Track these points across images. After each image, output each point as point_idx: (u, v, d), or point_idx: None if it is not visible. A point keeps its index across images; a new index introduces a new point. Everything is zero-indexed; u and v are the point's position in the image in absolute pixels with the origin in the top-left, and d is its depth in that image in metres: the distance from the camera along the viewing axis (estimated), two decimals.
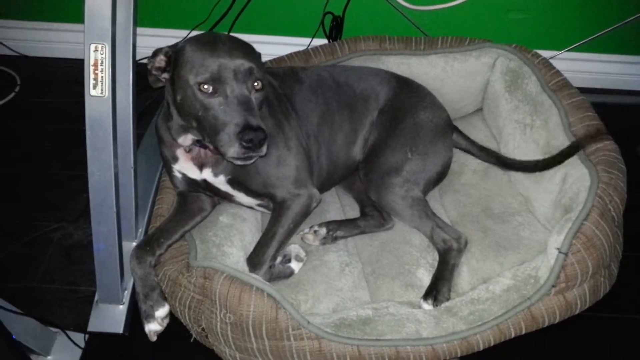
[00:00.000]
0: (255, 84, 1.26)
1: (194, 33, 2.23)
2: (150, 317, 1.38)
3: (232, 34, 2.19)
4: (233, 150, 1.21)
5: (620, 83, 2.41)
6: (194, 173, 1.44)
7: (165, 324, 1.39)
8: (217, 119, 1.23)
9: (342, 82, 1.63)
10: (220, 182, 1.43)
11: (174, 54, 1.28)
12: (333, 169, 1.61)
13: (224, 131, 1.21)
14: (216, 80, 1.22)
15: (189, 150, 1.41)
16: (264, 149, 1.23)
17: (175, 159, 1.44)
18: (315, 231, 1.54)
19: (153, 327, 1.38)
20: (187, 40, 1.30)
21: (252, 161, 1.27)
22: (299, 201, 1.44)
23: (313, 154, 1.54)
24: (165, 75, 1.31)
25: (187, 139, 1.38)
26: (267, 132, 1.22)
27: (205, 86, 1.22)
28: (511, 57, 1.79)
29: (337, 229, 1.56)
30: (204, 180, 1.44)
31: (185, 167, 1.44)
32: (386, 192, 1.51)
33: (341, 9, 2.22)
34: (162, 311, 1.38)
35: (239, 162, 1.26)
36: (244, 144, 1.20)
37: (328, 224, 1.56)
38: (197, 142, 1.37)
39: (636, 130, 2.10)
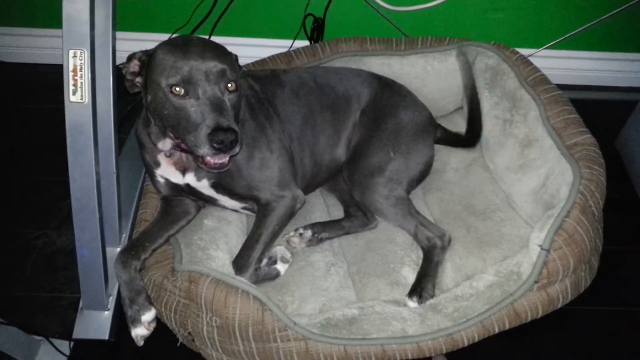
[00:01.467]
0: (229, 85, 1.25)
1: None
2: (137, 321, 1.37)
3: (213, 37, 2.20)
4: (203, 150, 1.21)
5: (595, 79, 2.45)
6: (177, 178, 1.43)
7: (152, 328, 1.38)
8: (189, 120, 1.22)
9: (323, 84, 1.64)
10: (204, 186, 1.42)
11: (147, 58, 1.28)
12: (317, 170, 1.61)
13: (195, 132, 1.21)
14: (187, 82, 1.22)
15: (169, 155, 1.41)
16: (236, 149, 1.23)
17: (157, 164, 1.44)
18: (300, 234, 1.55)
19: (140, 332, 1.37)
20: (159, 44, 1.30)
21: (226, 168, 1.27)
22: (283, 203, 1.44)
23: (296, 156, 1.54)
24: (139, 80, 1.31)
25: (166, 144, 1.38)
26: (238, 133, 1.21)
27: (177, 88, 1.22)
28: (490, 54, 1.81)
29: (322, 230, 1.57)
30: (187, 185, 1.43)
31: (167, 171, 1.44)
32: (370, 192, 1.52)
33: (322, 10, 2.22)
34: (148, 315, 1.38)
35: (214, 170, 1.27)
36: (215, 145, 1.20)
37: (313, 226, 1.57)
38: (177, 147, 1.36)
39: (612, 125, 2.14)
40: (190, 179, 1.42)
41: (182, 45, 1.26)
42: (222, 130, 1.19)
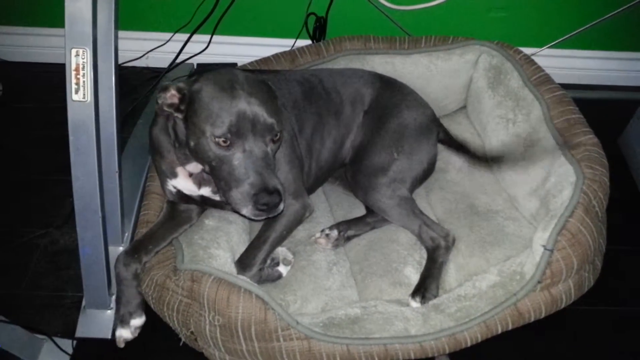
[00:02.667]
0: (275, 136, 1.22)
1: (177, 36, 2.23)
2: (125, 323, 1.38)
3: (215, 36, 2.20)
4: (246, 210, 1.20)
5: (598, 78, 2.45)
6: (191, 190, 1.42)
7: (136, 334, 1.39)
8: (232, 175, 1.19)
9: (330, 89, 1.62)
10: (219, 197, 1.41)
11: (189, 95, 1.22)
12: (321, 174, 1.61)
13: (238, 189, 1.19)
14: (234, 134, 1.18)
15: (191, 174, 1.39)
16: (280, 208, 1.20)
17: (174, 175, 1.41)
18: (327, 234, 1.54)
19: (125, 334, 1.38)
20: (203, 81, 1.23)
21: (264, 219, 1.25)
22: (293, 209, 1.44)
23: (305, 163, 1.54)
24: (179, 115, 1.25)
25: (197, 167, 1.34)
26: (282, 192, 1.19)
27: (222, 139, 1.18)
28: (494, 53, 1.81)
29: (348, 228, 1.56)
30: (201, 196, 1.43)
31: (182, 184, 1.42)
32: (374, 192, 1.51)
33: (324, 9, 2.22)
34: (138, 321, 1.39)
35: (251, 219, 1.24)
36: (259, 207, 1.18)
37: (338, 225, 1.57)
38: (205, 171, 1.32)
39: (616, 125, 2.13)
40: (205, 191, 1.40)
41: (229, 90, 1.20)
42: (268, 192, 1.17)
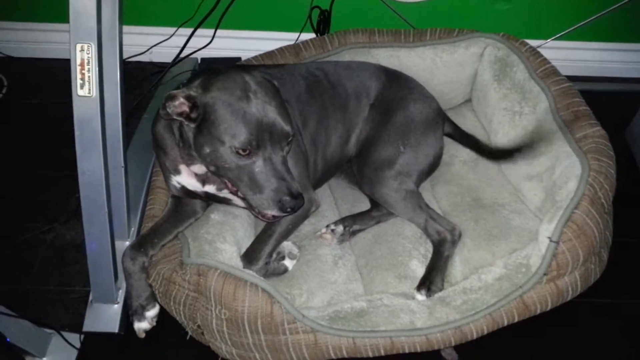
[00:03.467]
0: (290, 139, 1.25)
1: (181, 30, 2.23)
2: (140, 316, 1.40)
3: (219, 30, 2.20)
4: (270, 212, 1.23)
5: (605, 70, 2.43)
6: (195, 187, 1.42)
7: (154, 323, 1.42)
8: (253, 181, 1.22)
9: (335, 82, 1.62)
10: (224, 193, 1.41)
11: (203, 105, 1.21)
12: (327, 168, 1.61)
13: (262, 194, 1.22)
14: (254, 145, 1.19)
15: (196, 174, 1.39)
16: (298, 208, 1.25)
17: (177, 172, 1.42)
18: (332, 230, 1.54)
19: (143, 326, 1.40)
20: (215, 90, 1.21)
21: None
22: None
23: (310, 158, 1.54)
24: (191, 124, 1.23)
25: (202, 168, 1.35)
26: (303, 195, 1.24)
27: (242, 149, 1.19)
28: (499, 46, 1.80)
29: (353, 223, 1.56)
30: (205, 192, 1.43)
31: (186, 181, 1.43)
32: (380, 186, 1.51)
33: (328, 2, 2.21)
34: (152, 311, 1.41)
35: (268, 220, 1.30)
36: (285, 210, 1.21)
37: (343, 220, 1.57)
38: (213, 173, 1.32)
39: (623, 117, 2.12)
40: (210, 188, 1.41)
41: (244, 99, 1.20)
42: (293, 196, 1.21)
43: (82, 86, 1.22)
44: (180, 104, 1.21)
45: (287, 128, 1.22)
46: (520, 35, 1.82)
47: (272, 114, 1.21)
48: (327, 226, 1.55)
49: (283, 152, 1.24)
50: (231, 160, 1.21)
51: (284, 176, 1.22)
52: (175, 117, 1.22)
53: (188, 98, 1.20)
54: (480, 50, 1.83)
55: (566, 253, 1.32)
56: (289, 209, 1.22)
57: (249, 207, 1.28)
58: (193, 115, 1.22)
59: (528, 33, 2.18)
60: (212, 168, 1.26)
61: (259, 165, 1.21)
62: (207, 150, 1.23)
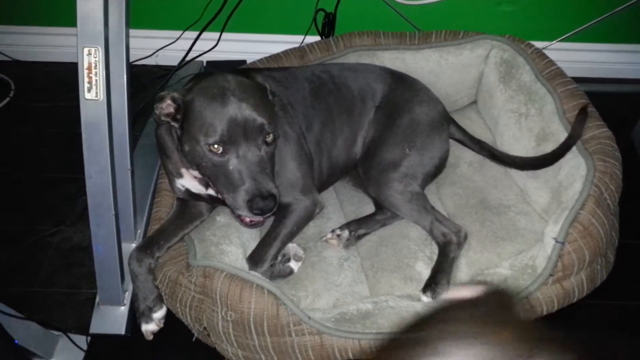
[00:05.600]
0: (267, 137, 1.24)
1: (187, 34, 2.24)
2: (148, 318, 1.41)
3: (224, 33, 2.21)
4: (241, 212, 1.23)
5: (611, 72, 2.42)
6: (198, 189, 1.43)
7: (162, 324, 1.42)
8: (228, 179, 1.22)
9: (340, 84, 1.62)
10: None
11: (184, 105, 1.25)
12: (333, 171, 1.61)
13: (234, 194, 1.22)
14: (226, 142, 1.20)
15: (196, 177, 1.40)
16: (274, 210, 1.24)
17: (180, 175, 1.43)
18: (338, 235, 1.54)
19: (151, 327, 1.41)
20: (196, 91, 1.26)
21: (261, 225, 1.30)
22: (303, 205, 1.45)
23: (315, 160, 1.54)
24: (175, 124, 1.28)
25: (197, 172, 1.36)
26: (277, 196, 1.22)
27: (216, 146, 1.21)
28: (505, 47, 1.80)
29: (359, 227, 1.56)
30: (209, 195, 1.44)
31: (189, 184, 1.44)
32: (385, 188, 1.51)
33: (333, 5, 2.22)
34: (160, 313, 1.42)
35: (248, 227, 1.30)
36: (254, 211, 1.20)
37: (348, 225, 1.56)
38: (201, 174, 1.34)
39: (629, 118, 2.12)
40: (213, 191, 1.40)
41: (219, 96, 1.22)
42: (262, 197, 1.20)
43: (89, 89, 1.23)
44: (167, 106, 1.25)
45: (261, 120, 1.22)
46: (525, 37, 1.82)
47: (247, 110, 1.22)
48: (333, 231, 1.55)
49: (260, 151, 1.23)
50: (207, 158, 1.23)
51: (256, 176, 1.21)
52: (163, 118, 1.26)
53: (173, 99, 1.24)
54: (486, 52, 1.83)
55: (572, 254, 1.32)
56: (256, 211, 1.20)
57: (230, 210, 1.29)
58: (178, 116, 1.26)
59: (533, 35, 2.18)
60: (195, 167, 1.29)
61: (232, 163, 1.22)
62: (187, 148, 1.26)
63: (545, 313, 1.35)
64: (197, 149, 1.23)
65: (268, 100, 1.31)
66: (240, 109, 1.21)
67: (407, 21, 2.25)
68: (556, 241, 1.32)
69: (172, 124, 1.28)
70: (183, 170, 1.41)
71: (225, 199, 1.25)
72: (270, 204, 1.20)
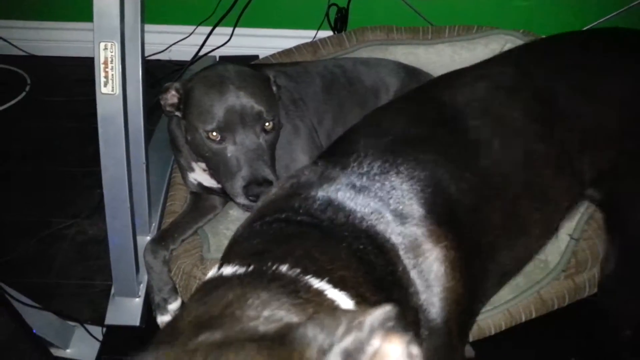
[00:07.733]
0: (266, 125, 1.24)
1: (200, 29, 2.25)
2: (163, 309, 1.42)
3: (237, 28, 2.22)
4: (238, 199, 1.24)
5: None
6: (211, 183, 1.44)
7: None
8: (226, 167, 1.23)
9: (353, 79, 1.62)
10: None
11: (185, 94, 1.27)
12: None
13: (231, 180, 1.22)
14: (223, 129, 1.21)
15: (205, 170, 1.41)
16: None
17: (192, 169, 1.45)
18: None
19: (166, 319, 1.42)
20: (196, 79, 1.28)
21: None
22: None
23: None
24: (179, 114, 1.30)
25: (204, 164, 1.38)
26: (274, 181, 1.21)
27: (214, 134, 1.22)
28: (519, 42, 1.78)
29: None
30: (221, 188, 1.45)
31: (201, 178, 1.45)
32: None
33: (346, 0, 2.22)
34: (175, 304, 1.43)
35: (247, 210, 1.28)
36: (250, 198, 1.21)
37: None
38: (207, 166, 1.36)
39: None
40: None
41: (218, 85, 1.24)
42: (258, 183, 1.20)
43: (105, 84, 1.24)
44: (171, 96, 1.28)
45: (259, 108, 1.22)
46: (539, 32, 1.81)
47: (244, 98, 1.22)
48: None
49: (258, 138, 1.23)
50: (207, 146, 1.24)
51: (252, 162, 1.21)
52: (168, 109, 1.29)
53: (176, 89, 1.27)
54: (500, 47, 1.82)
55: (586, 250, 1.31)
56: (251, 197, 1.20)
57: (232, 200, 1.29)
58: (181, 106, 1.28)
59: (547, 29, 2.16)
60: (198, 158, 1.31)
61: (230, 150, 1.22)
62: (189, 138, 1.28)
63: (556, 307, 1.35)
64: (197, 137, 1.25)
65: (269, 89, 1.32)
66: (237, 97, 1.22)
67: (420, 16, 2.24)
68: (571, 237, 1.32)
69: (176, 113, 1.30)
70: (194, 164, 1.43)
71: (225, 188, 1.26)
72: (266, 190, 1.19)
